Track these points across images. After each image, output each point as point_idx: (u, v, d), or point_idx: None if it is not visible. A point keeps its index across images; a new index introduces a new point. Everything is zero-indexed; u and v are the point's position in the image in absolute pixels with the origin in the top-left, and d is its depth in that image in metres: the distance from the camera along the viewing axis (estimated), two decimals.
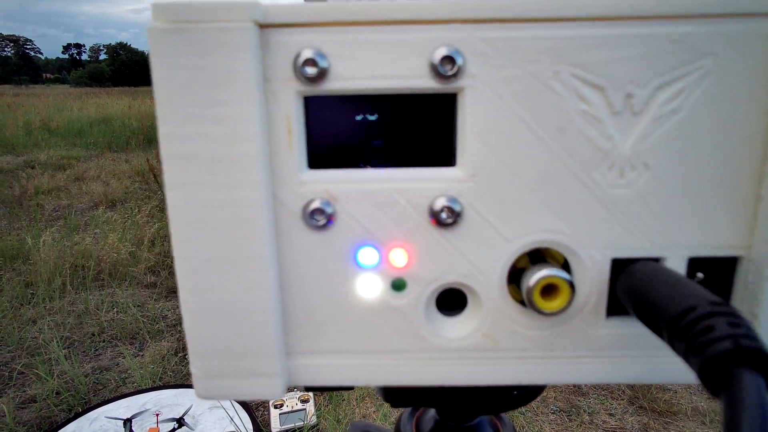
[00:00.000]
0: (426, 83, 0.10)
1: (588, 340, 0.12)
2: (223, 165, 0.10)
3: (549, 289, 0.11)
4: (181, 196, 0.10)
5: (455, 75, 0.10)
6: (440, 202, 0.11)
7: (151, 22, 0.09)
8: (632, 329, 0.12)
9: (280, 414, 1.19)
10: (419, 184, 0.11)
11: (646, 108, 0.10)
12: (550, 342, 0.12)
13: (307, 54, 0.10)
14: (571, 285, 0.11)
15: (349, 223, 0.11)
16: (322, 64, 0.10)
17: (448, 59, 0.10)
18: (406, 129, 0.11)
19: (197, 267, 0.11)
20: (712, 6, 0.10)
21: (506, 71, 0.10)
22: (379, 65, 0.10)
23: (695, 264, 0.11)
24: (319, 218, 0.11)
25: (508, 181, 0.11)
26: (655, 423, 1.19)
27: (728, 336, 0.08)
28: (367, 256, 0.11)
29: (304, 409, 1.20)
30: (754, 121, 0.10)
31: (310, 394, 1.23)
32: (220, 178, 0.10)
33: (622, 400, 1.27)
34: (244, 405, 1.22)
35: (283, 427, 1.16)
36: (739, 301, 0.11)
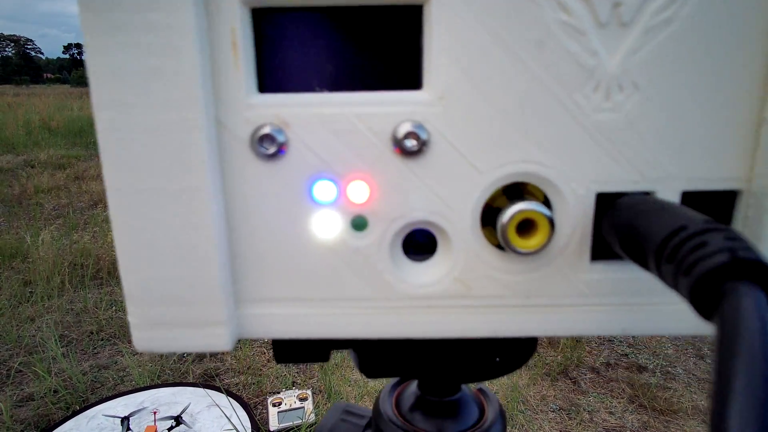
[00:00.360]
0: None
1: (570, 286, 0.10)
2: (157, 82, 0.09)
3: (526, 226, 0.10)
4: (109, 117, 0.09)
5: None
6: (404, 128, 0.10)
7: None
8: (620, 274, 0.10)
9: (278, 412, 1.18)
10: (381, 108, 0.10)
11: (635, 18, 0.09)
12: (529, 288, 0.10)
13: None
14: (551, 221, 0.10)
15: (303, 152, 0.10)
16: None
17: None
18: (366, 47, 0.10)
19: (131, 199, 0.09)
20: None
21: None
22: None
23: (689, 198, 0.10)
24: (269, 146, 0.10)
25: (480, 105, 0.10)
26: (655, 421, 1.17)
27: (724, 249, 0.06)
28: (324, 190, 0.10)
29: (303, 408, 1.19)
30: (758, 35, 0.09)
31: (309, 392, 1.22)
32: (153, 97, 0.09)
33: (622, 398, 1.25)
34: (243, 403, 1.21)
35: (281, 425, 1.15)
36: None
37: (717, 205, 0.10)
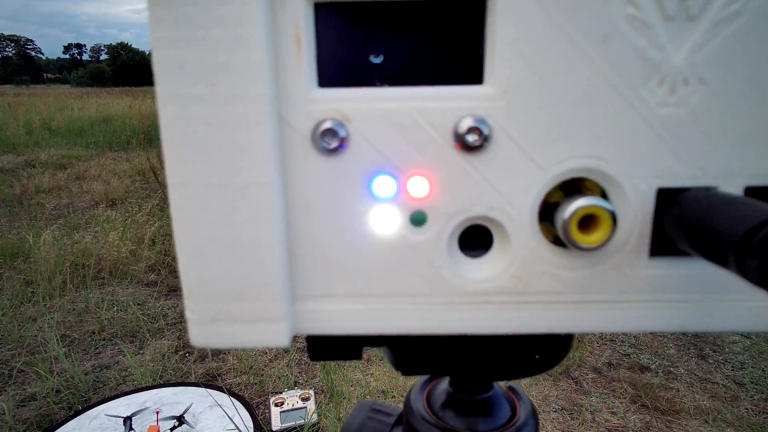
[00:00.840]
0: None
1: (628, 283, 0.10)
2: (223, 76, 0.09)
3: (587, 222, 0.10)
4: (174, 112, 0.09)
5: None
6: (466, 124, 0.10)
7: None
8: (679, 270, 0.10)
9: (280, 412, 1.18)
10: (443, 103, 0.10)
11: (704, 11, 0.09)
12: (586, 285, 0.10)
13: None
14: (613, 216, 0.10)
15: (364, 147, 0.10)
16: None
17: None
18: (428, 42, 0.10)
19: (193, 195, 0.09)
20: None
21: None
22: None
23: (752, 194, 0.10)
24: (331, 141, 0.10)
25: (543, 100, 0.10)
26: (657, 421, 1.18)
27: None
28: (383, 185, 0.10)
29: (305, 407, 1.19)
30: None
31: (311, 392, 1.22)
32: (219, 90, 0.09)
33: (625, 398, 1.25)
34: (245, 403, 1.21)
35: (283, 425, 1.15)
36: None
37: None
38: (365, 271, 0.10)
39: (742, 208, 0.08)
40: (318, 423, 1.17)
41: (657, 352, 1.47)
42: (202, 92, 0.09)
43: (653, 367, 1.40)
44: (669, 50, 0.09)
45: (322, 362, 1.37)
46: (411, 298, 0.10)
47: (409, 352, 0.14)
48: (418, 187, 0.10)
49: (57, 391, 1.27)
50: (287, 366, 1.39)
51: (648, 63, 0.09)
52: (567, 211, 0.10)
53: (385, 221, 0.10)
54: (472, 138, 0.10)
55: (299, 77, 0.09)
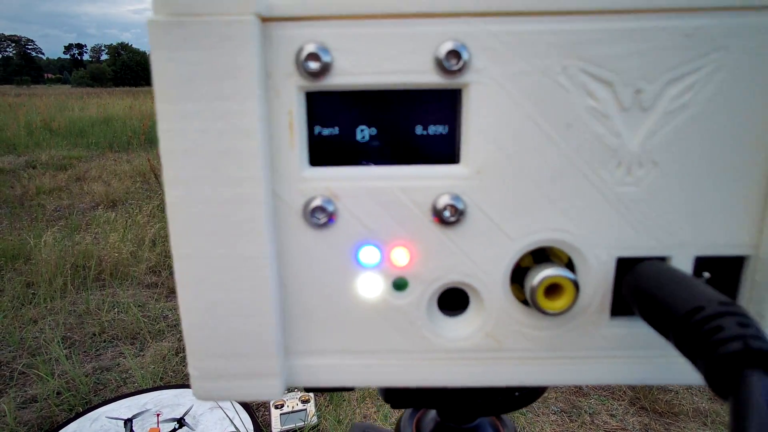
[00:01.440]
0: (431, 78, 0.10)
1: (592, 341, 0.11)
2: (224, 161, 0.10)
3: (553, 289, 0.11)
4: (180, 193, 0.10)
5: (461, 70, 0.10)
6: (443, 200, 0.11)
7: (152, 15, 0.09)
8: (637, 329, 0.11)
9: (280, 414, 1.19)
10: (422, 182, 0.11)
11: (655, 103, 0.10)
12: (554, 342, 0.11)
13: (309, 48, 0.10)
14: (576, 284, 0.11)
15: (351, 221, 0.11)
16: (325, 58, 0.10)
17: (454, 54, 0.10)
18: (409, 125, 0.11)
19: (196, 265, 0.10)
20: None
21: (513, 66, 0.10)
22: (384, 60, 0.10)
23: (702, 263, 0.11)
24: (320, 216, 0.11)
25: (513, 179, 0.11)
26: (656, 424, 1.18)
27: (738, 336, 0.07)
28: (369, 255, 0.11)
29: (305, 410, 1.20)
30: (765, 117, 0.10)
31: (311, 394, 1.23)
32: (220, 174, 0.10)
33: (624, 400, 1.26)
34: (245, 405, 1.22)
35: (283, 427, 1.15)
36: (746, 301, 0.11)
37: (727, 269, 0.11)
38: (352, 330, 0.11)
39: (683, 291, 0.09)
40: (318, 425, 1.18)
41: None
42: (204, 176, 0.10)
43: None
44: (625, 137, 0.10)
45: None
46: (394, 355, 0.12)
47: (398, 390, 0.15)
48: (400, 256, 0.11)
49: (58, 393, 1.27)
50: None
51: (607, 148, 0.10)
52: (534, 280, 0.11)
53: (370, 287, 0.11)
54: (448, 213, 0.11)
55: (292, 158, 0.11)
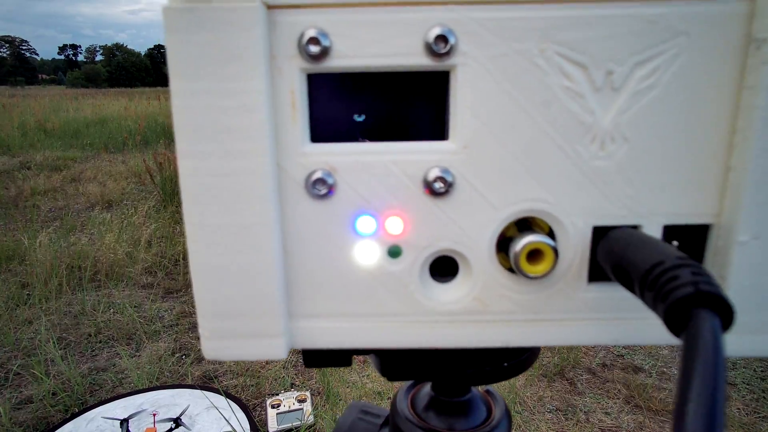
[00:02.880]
0: (421, 61, 0.11)
1: (571, 304, 0.12)
2: (231, 135, 0.11)
3: (534, 255, 0.12)
4: (191, 164, 0.11)
5: (448, 53, 0.11)
6: (433, 173, 0.12)
7: (167, 3, 0.10)
8: (612, 293, 0.12)
9: (277, 414, 1.19)
10: (414, 156, 0.12)
11: (624, 84, 0.11)
12: (536, 306, 0.12)
13: (310, 33, 0.11)
14: (555, 251, 0.12)
15: (349, 193, 0.12)
16: (325, 42, 0.11)
17: (442, 38, 0.11)
18: (402, 104, 0.12)
19: (206, 232, 0.11)
20: None
21: (495, 49, 0.11)
22: (378, 44, 0.11)
23: (670, 231, 0.12)
24: (321, 188, 0.12)
25: (497, 153, 0.12)
26: (650, 422, 1.19)
27: (690, 282, 0.08)
28: (365, 224, 0.12)
29: (302, 409, 1.20)
30: (723, 97, 0.11)
31: (308, 393, 1.23)
32: (228, 147, 0.11)
33: (618, 399, 1.27)
34: (242, 405, 1.22)
35: (280, 426, 1.15)
36: (710, 265, 0.12)
37: (693, 236, 0.12)
38: (350, 295, 0.12)
39: (646, 250, 0.10)
40: (314, 424, 1.18)
41: (651, 353, 1.49)
42: (213, 149, 0.11)
43: (647, 367, 1.41)
44: (598, 114, 0.11)
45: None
46: (389, 317, 0.12)
47: (393, 361, 0.16)
48: (395, 225, 0.12)
49: (53, 394, 1.27)
50: (283, 368, 1.40)
51: (581, 124, 0.11)
52: (517, 245, 0.12)
53: (366, 254, 0.12)
54: (438, 185, 0.12)
55: (294, 134, 0.11)
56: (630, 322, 0.12)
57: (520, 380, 1.33)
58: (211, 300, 0.12)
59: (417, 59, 0.11)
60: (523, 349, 0.17)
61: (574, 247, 0.12)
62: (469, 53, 0.11)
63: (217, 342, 0.12)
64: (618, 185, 0.12)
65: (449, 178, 0.12)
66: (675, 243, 0.12)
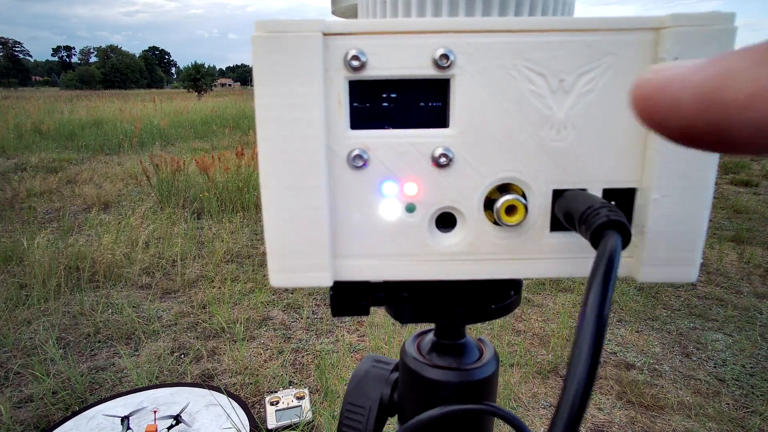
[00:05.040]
0: (429, 72, 0.16)
1: (538, 247, 0.17)
2: (297, 125, 0.16)
3: (511, 210, 0.16)
4: (268, 146, 0.16)
5: (449, 66, 0.16)
6: (438, 151, 0.16)
7: (254, 33, 0.15)
8: (567, 239, 0.17)
9: (276, 410, 1.19)
10: (425, 139, 0.16)
11: (572, 88, 0.16)
12: (512, 248, 0.17)
13: (353, 52, 0.16)
14: (526, 207, 0.16)
15: (378, 165, 0.16)
16: (363, 59, 0.16)
17: (444, 56, 0.16)
18: (415, 102, 0.16)
19: (276, 193, 0.16)
20: (612, 23, 0.16)
21: (482, 64, 0.16)
22: (399, 60, 0.16)
23: (609, 193, 0.17)
24: (358, 162, 0.16)
25: (484, 137, 0.16)
26: (642, 417, 1.22)
27: (605, 215, 0.13)
28: (389, 188, 0.17)
29: (300, 406, 1.21)
30: None
31: (306, 391, 1.25)
32: (294, 134, 0.16)
33: (611, 395, 1.30)
34: (241, 402, 1.23)
35: (279, 423, 1.16)
36: (636, 217, 0.17)
37: (625, 197, 0.17)
38: (378, 240, 0.17)
39: (585, 201, 0.15)
40: (313, 421, 1.20)
41: (643, 350, 1.49)
42: (284, 134, 0.16)
43: (639, 364, 1.42)
44: (554, 109, 0.16)
45: (318, 360, 1.40)
46: (406, 257, 0.17)
47: (403, 308, 0.21)
48: (411, 189, 0.17)
49: (54, 393, 1.27)
50: (282, 366, 1.42)
51: (543, 116, 0.16)
52: (498, 202, 0.16)
53: (390, 210, 0.17)
54: (442, 160, 0.16)
55: (340, 123, 0.16)
56: (579, 260, 0.17)
57: (515, 377, 1.36)
58: (278, 243, 0.16)
59: (427, 71, 0.16)
60: (505, 295, 0.22)
61: (539, 204, 0.17)
62: (464, 67, 0.16)
63: (282, 274, 0.17)
64: (570, 160, 0.16)
65: (450, 155, 0.16)
66: (612, 203, 0.17)
